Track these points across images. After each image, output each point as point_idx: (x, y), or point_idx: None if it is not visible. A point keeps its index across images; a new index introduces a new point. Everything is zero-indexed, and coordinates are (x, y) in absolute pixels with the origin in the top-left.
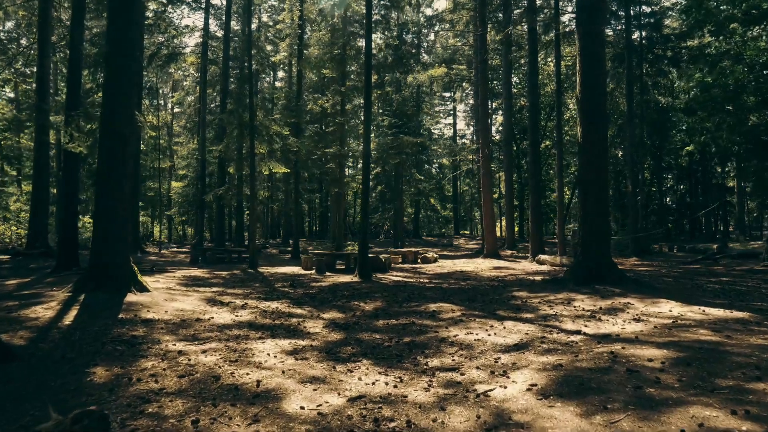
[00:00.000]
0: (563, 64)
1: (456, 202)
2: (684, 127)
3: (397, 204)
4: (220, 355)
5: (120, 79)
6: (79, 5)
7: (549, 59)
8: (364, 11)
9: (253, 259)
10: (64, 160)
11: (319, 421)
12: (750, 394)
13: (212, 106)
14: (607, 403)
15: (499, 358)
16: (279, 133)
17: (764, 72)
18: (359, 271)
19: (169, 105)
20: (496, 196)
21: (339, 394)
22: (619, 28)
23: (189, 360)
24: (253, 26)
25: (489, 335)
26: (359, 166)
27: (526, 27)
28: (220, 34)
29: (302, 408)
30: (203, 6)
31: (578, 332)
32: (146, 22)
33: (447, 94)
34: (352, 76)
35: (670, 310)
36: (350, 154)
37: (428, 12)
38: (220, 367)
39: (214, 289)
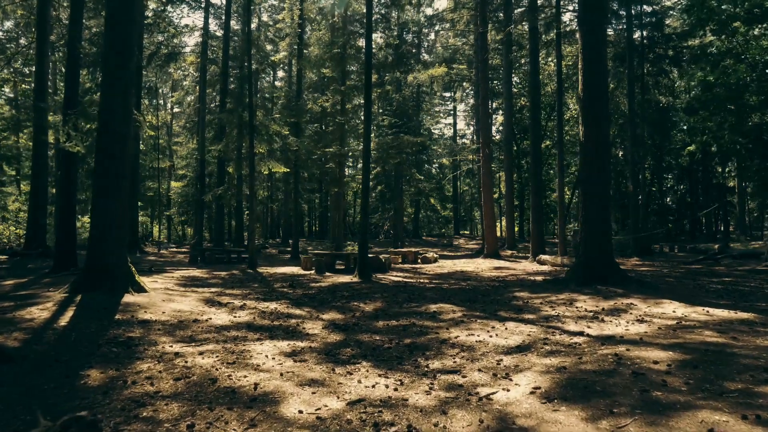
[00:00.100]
0: (564, 63)
1: (456, 202)
2: (685, 127)
3: (397, 204)
4: (217, 356)
5: (118, 77)
6: (78, 4)
7: (550, 59)
8: (365, 10)
9: (253, 259)
10: (63, 160)
11: (318, 426)
12: (760, 398)
13: (212, 105)
14: (613, 407)
15: (502, 360)
16: (279, 132)
17: (767, 71)
18: (359, 271)
19: (169, 105)
20: (496, 196)
21: (338, 398)
22: (620, 27)
23: (186, 362)
24: (253, 25)
25: (490, 336)
26: (359, 166)
27: (527, 26)
28: (219, 33)
29: (300, 412)
30: (203, 5)
31: (581, 333)
32: (146, 22)
33: (447, 94)
34: (352, 76)
35: (674, 311)
36: (350, 153)
37: (429, 11)
38: (217, 369)
39: (213, 289)
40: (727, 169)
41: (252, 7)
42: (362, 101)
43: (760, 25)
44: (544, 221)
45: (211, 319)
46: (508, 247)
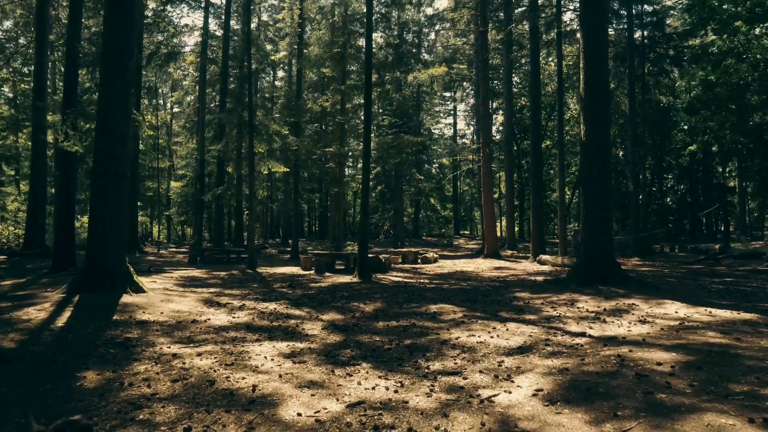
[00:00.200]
0: (564, 63)
1: (456, 202)
2: (685, 127)
3: (397, 204)
4: (215, 358)
5: (116, 76)
6: (77, 3)
7: (550, 59)
8: (365, 10)
9: (252, 259)
10: (61, 160)
11: (317, 429)
12: (766, 401)
13: (212, 105)
14: (617, 409)
15: (503, 361)
16: (278, 132)
17: None
18: (359, 271)
19: (169, 104)
20: (496, 196)
21: (338, 400)
22: (621, 27)
23: (183, 363)
24: (253, 25)
25: (492, 337)
26: (359, 165)
27: (527, 26)
28: (219, 33)
29: (299, 415)
30: (203, 5)
31: (583, 334)
32: (145, 21)
33: (447, 94)
34: (352, 76)
35: (676, 312)
36: (350, 153)
37: (429, 11)
38: (215, 370)
39: (212, 289)
40: (727, 169)
41: (252, 7)
42: (362, 101)
43: (761, 25)
44: (544, 221)
45: (209, 319)
46: (508, 247)
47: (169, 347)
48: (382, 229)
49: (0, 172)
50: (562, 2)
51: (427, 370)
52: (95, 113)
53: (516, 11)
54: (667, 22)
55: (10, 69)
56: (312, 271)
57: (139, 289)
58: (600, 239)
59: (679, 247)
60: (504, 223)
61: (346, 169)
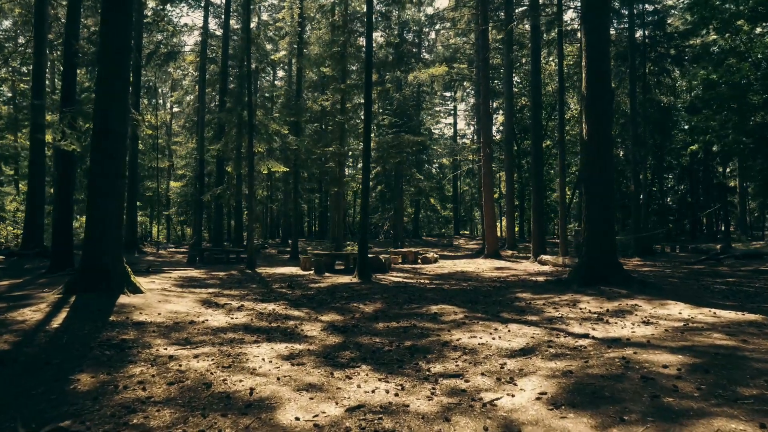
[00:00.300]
0: (565, 63)
1: (456, 202)
2: (686, 127)
3: (397, 204)
4: (212, 360)
5: (114, 75)
6: (75, 1)
7: (551, 58)
8: (365, 8)
9: (251, 259)
10: (60, 159)
11: None
12: None
13: (211, 105)
14: (623, 414)
15: (505, 363)
16: (278, 131)
17: None
18: (359, 271)
19: (168, 104)
20: (496, 195)
21: (337, 404)
22: (622, 26)
23: (180, 365)
24: (253, 24)
25: (493, 339)
26: (359, 165)
27: (527, 26)
28: (219, 32)
29: (297, 419)
30: (202, 4)
31: (586, 336)
32: (145, 21)
33: (447, 94)
34: (352, 75)
35: (680, 313)
36: (350, 153)
37: (429, 10)
38: (212, 373)
39: (210, 290)
40: (728, 169)
41: (251, 6)
42: (362, 100)
43: (764, 24)
44: (544, 221)
45: (207, 320)
46: (508, 247)
47: (166, 349)
48: (382, 229)
49: None
50: (563, 1)
51: (428, 373)
52: (93, 112)
53: (517, 10)
54: (668, 21)
55: (9, 68)
56: (311, 272)
57: (136, 290)
58: (601, 239)
59: (680, 247)
60: (504, 223)
61: (346, 169)
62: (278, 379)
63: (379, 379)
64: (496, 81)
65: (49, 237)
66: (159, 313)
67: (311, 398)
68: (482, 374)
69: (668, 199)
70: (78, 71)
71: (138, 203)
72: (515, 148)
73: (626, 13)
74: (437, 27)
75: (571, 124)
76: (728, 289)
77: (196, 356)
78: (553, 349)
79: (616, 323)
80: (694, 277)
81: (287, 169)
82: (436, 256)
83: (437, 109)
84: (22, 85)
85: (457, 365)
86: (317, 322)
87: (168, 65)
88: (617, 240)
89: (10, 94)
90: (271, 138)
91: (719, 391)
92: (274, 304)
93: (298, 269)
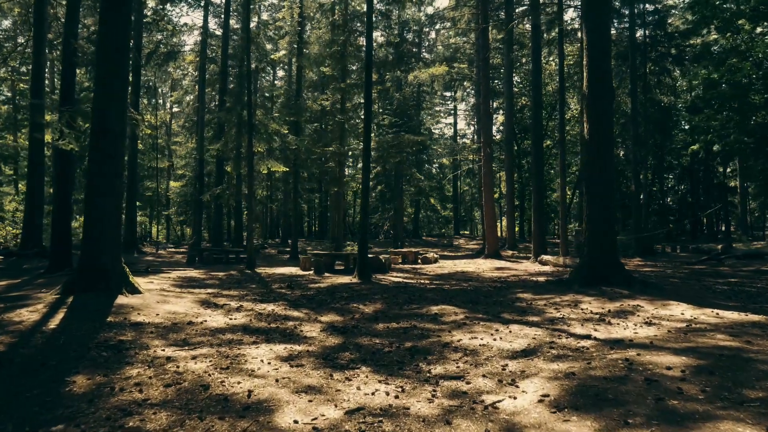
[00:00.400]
0: (565, 63)
1: (456, 202)
2: (686, 127)
3: (397, 204)
4: (210, 361)
5: (112, 74)
6: (74, 1)
7: (551, 58)
8: (365, 8)
9: (251, 259)
10: (58, 159)
11: None
12: None
13: (211, 105)
14: (627, 417)
15: (507, 365)
16: (278, 131)
17: None
18: (358, 271)
19: (168, 104)
20: (496, 195)
21: (336, 406)
22: (622, 26)
23: (177, 367)
24: (253, 24)
25: (494, 340)
26: (359, 165)
27: (528, 25)
28: (219, 32)
29: (296, 422)
30: (202, 4)
31: (588, 337)
32: (144, 20)
33: (448, 94)
34: (352, 75)
35: (683, 313)
36: (350, 153)
37: (429, 9)
38: (209, 375)
39: (209, 290)
40: (728, 169)
41: (251, 6)
42: (362, 100)
43: (765, 23)
44: (545, 221)
45: (206, 321)
46: (508, 247)
47: (164, 350)
48: (382, 229)
49: None
50: (564, 1)
51: (428, 374)
52: (91, 111)
53: (517, 10)
54: (669, 21)
55: (9, 68)
56: (311, 272)
57: (134, 290)
58: (602, 239)
59: (681, 247)
60: (504, 223)
61: (346, 169)
62: (277, 380)
63: (379, 381)
64: (496, 81)
65: (49, 237)
66: (157, 314)
67: (310, 400)
68: (483, 376)
69: (669, 199)
70: (78, 71)
71: (137, 203)
72: (515, 147)
73: (627, 12)
74: (437, 26)
75: (571, 123)
76: (730, 289)
77: (194, 357)
78: (555, 350)
79: (618, 324)
80: (696, 277)
81: (287, 169)
82: (436, 256)
83: (437, 108)
84: (21, 84)
85: (458, 367)
86: (317, 323)
87: (168, 65)
88: (618, 240)
89: (9, 94)
90: (270, 138)
91: (725, 393)
92: (274, 304)
93: (298, 269)
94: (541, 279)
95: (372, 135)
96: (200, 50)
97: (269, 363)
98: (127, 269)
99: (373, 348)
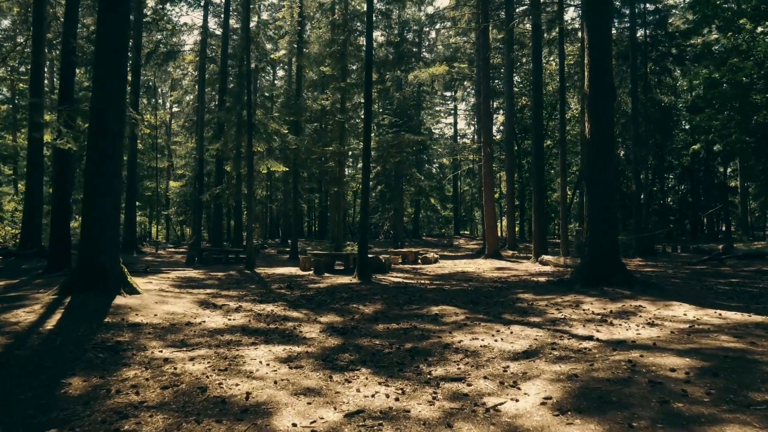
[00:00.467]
0: (566, 62)
1: (456, 202)
2: (687, 127)
3: (397, 204)
4: (208, 363)
5: (111, 74)
6: (73, 1)
7: (551, 58)
8: (365, 7)
9: (250, 259)
10: (57, 159)
11: None
12: None
13: (211, 105)
14: (632, 420)
15: (508, 366)
16: (278, 131)
17: None
18: (358, 271)
19: (168, 104)
20: (497, 195)
21: (335, 409)
22: (623, 26)
23: (175, 369)
24: (252, 24)
25: (495, 341)
26: (359, 165)
27: (528, 25)
28: (219, 32)
29: (294, 425)
30: (202, 3)
31: (590, 338)
32: (144, 20)
33: (448, 93)
34: (352, 75)
35: (685, 314)
36: (350, 153)
37: (430, 9)
38: (207, 376)
39: (208, 290)
40: (729, 169)
41: (251, 5)
42: (362, 99)
43: (766, 23)
44: (545, 221)
45: (204, 322)
46: (509, 247)
47: (161, 351)
48: (382, 229)
49: None
50: (564, 0)
51: (429, 376)
52: (89, 111)
53: (517, 9)
54: (670, 21)
55: (8, 68)
56: (311, 272)
57: (133, 290)
58: (603, 239)
59: (682, 247)
60: (505, 223)
61: (346, 169)
62: (275, 382)
63: (379, 383)
64: (496, 80)
65: (48, 237)
66: (155, 315)
67: (309, 403)
68: (485, 378)
69: (669, 199)
70: (77, 70)
71: (137, 203)
72: (516, 147)
73: (627, 12)
74: (437, 26)
75: (571, 123)
76: (732, 289)
77: (191, 359)
78: (557, 351)
79: (620, 325)
80: (697, 277)
81: (287, 169)
82: (436, 256)
83: (437, 108)
84: (20, 84)
85: (458, 368)
86: (316, 324)
87: (167, 65)
88: (618, 240)
89: (8, 94)
90: (270, 137)
91: (730, 396)
92: (273, 305)
93: (298, 269)
94: (542, 279)
95: (372, 135)
96: (200, 50)
97: (268, 364)
98: (126, 269)
99: (373, 349)
